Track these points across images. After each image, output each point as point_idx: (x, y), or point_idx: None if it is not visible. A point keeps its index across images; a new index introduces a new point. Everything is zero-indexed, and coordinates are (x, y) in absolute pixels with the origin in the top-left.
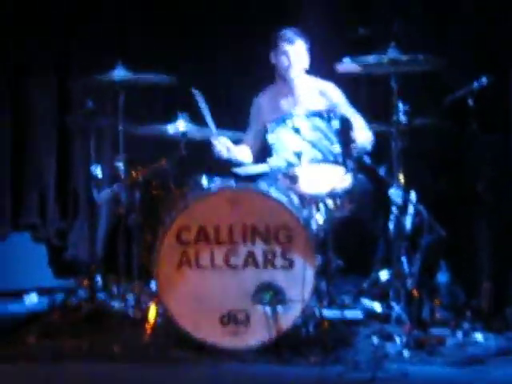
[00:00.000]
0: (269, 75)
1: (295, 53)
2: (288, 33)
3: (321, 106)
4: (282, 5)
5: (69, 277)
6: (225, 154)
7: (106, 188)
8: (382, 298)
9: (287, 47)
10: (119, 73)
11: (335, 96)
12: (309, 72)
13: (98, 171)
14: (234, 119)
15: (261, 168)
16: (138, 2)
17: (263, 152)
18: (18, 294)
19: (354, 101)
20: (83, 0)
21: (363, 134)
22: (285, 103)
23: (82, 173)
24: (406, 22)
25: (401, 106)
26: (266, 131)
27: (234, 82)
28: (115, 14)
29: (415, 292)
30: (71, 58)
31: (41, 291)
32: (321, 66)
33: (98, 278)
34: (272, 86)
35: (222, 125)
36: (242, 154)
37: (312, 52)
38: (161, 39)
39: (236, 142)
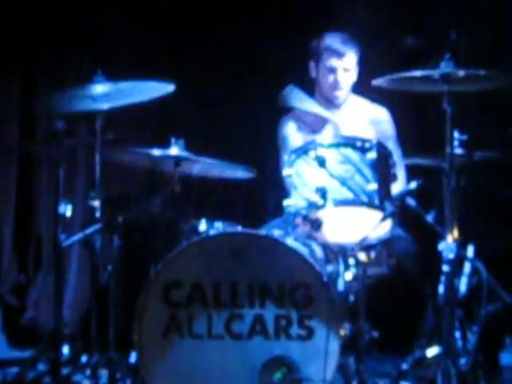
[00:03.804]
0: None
1: (345, 69)
2: (337, 42)
3: (369, 136)
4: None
5: (27, 346)
6: None
7: (77, 232)
8: (428, 381)
9: (335, 63)
10: (98, 85)
11: (388, 129)
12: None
13: (67, 210)
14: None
15: None
16: None
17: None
18: None
19: (396, 127)
20: None
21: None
22: (327, 127)
23: (46, 213)
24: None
25: (456, 134)
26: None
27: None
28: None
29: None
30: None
31: None
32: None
33: (65, 348)
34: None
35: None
36: None
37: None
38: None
39: None
